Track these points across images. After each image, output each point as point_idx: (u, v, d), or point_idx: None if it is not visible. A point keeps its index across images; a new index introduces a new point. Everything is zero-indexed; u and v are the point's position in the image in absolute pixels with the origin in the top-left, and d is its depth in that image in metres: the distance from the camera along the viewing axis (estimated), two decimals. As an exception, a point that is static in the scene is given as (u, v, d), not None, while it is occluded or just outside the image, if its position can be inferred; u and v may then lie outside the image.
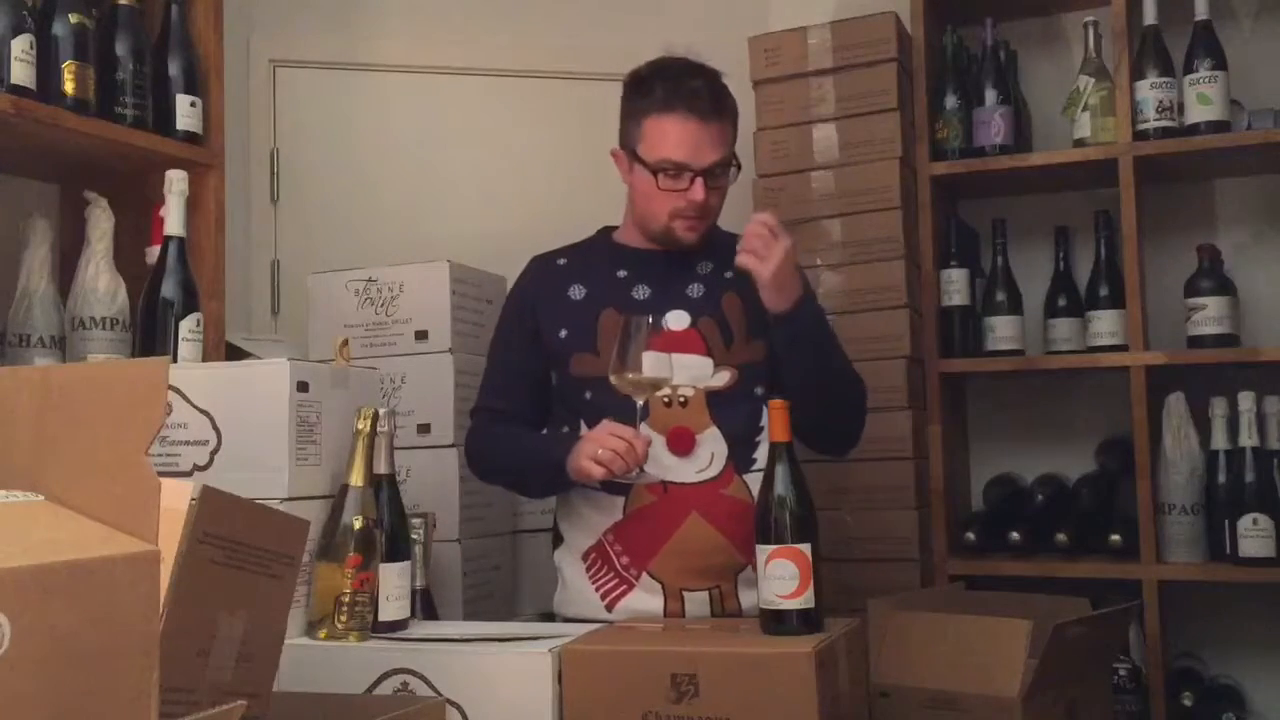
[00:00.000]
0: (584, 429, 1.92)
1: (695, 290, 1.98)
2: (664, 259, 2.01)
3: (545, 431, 2.03)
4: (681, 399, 1.92)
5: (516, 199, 3.02)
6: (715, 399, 1.92)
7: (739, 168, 1.99)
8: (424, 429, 2.34)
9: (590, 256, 2.07)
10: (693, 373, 1.92)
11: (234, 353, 2.28)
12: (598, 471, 1.78)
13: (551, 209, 2.87)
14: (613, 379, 1.80)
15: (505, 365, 2.07)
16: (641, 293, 1.97)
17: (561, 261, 2.08)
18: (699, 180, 1.91)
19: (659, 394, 1.88)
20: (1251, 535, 2.45)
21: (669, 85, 1.93)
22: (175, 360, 1.95)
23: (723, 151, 1.93)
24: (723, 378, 1.93)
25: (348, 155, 3.03)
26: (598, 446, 1.79)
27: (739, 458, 1.92)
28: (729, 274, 1.99)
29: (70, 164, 2.20)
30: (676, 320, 1.95)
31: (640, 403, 1.83)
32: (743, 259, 1.86)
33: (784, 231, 1.86)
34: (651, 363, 1.79)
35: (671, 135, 1.91)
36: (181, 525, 1.09)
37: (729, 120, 1.96)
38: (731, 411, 1.92)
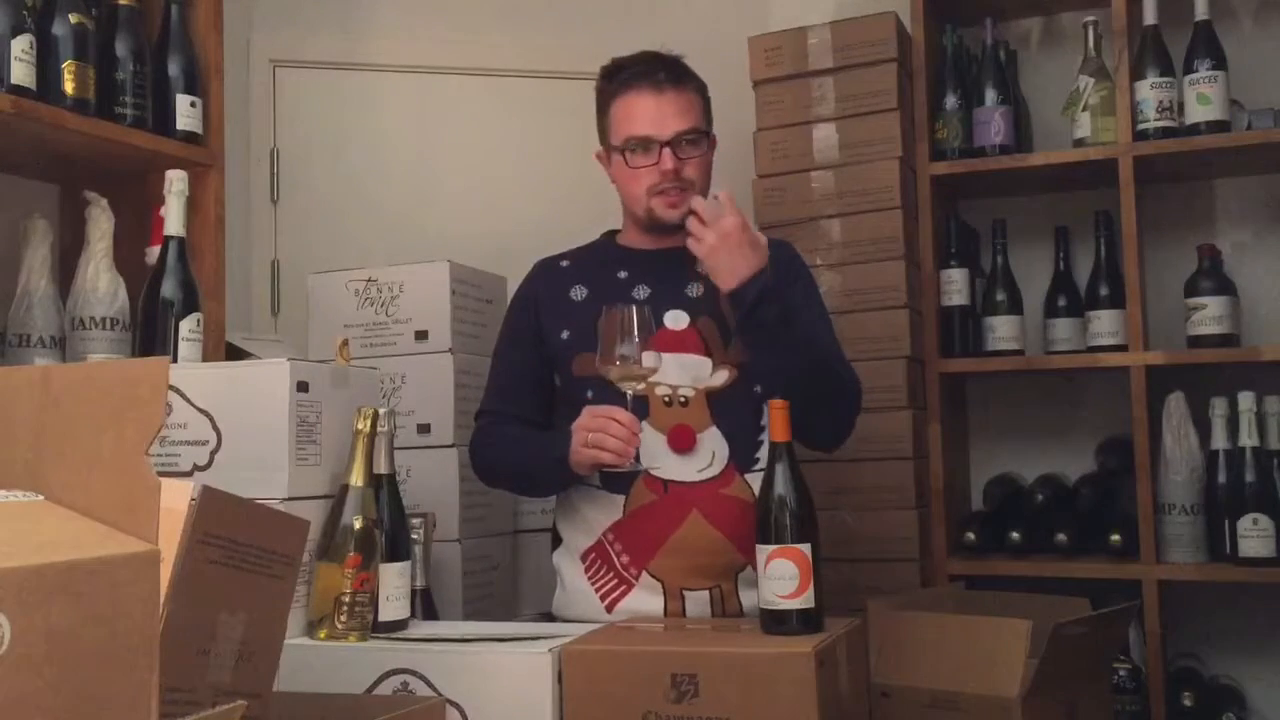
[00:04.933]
0: None
1: (694, 290, 1.98)
2: (663, 259, 2.01)
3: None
4: (682, 399, 1.92)
5: (516, 199, 3.02)
6: (715, 398, 1.92)
7: (711, 139, 2.01)
8: (424, 429, 2.34)
9: (592, 258, 2.08)
10: (692, 373, 1.92)
11: (234, 353, 2.28)
12: (604, 456, 1.79)
13: (551, 209, 2.87)
14: (599, 368, 1.81)
15: (509, 368, 2.07)
16: (641, 293, 1.97)
17: (565, 264, 2.09)
18: (666, 150, 1.93)
19: (657, 391, 1.88)
20: (1251, 535, 2.45)
21: (626, 68, 1.98)
22: (175, 360, 1.94)
23: (689, 121, 1.95)
24: (721, 377, 1.93)
25: (348, 155, 3.03)
26: (585, 433, 1.80)
27: (740, 457, 1.92)
28: None
29: (70, 164, 2.20)
30: (674, 320, 1.95)
31: (629, 394, 1.82)
32: (690, 242, 1.86)
33: (733, 209, 1.85)
34: (646, 359, 1.79)
35: (634, 111, 1.96)
36: (181, 525, 1.09)
37: (692, 91, 1.98)
38: (732, 411, 1.92)
